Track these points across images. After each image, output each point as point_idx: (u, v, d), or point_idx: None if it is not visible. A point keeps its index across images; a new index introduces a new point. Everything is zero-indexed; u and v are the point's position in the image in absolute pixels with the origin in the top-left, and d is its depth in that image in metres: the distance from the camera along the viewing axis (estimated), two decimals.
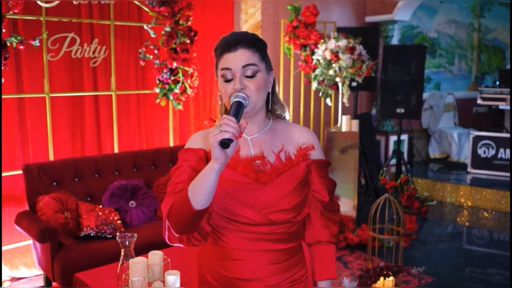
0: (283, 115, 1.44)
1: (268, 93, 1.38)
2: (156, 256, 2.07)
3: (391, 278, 2.45)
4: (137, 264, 1.95)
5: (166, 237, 1.32)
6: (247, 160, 1.32)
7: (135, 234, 2.13)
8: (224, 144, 1.12)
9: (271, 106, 1.41)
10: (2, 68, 3.07)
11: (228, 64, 1.30)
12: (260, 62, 1.32)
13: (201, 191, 1.18)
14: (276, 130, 1.39)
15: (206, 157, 1.35)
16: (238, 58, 1.29)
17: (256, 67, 1.30)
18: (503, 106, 6.30)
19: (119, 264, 2.10)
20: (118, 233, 3.17)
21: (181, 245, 1.33)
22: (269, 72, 1.36)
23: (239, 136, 1.14)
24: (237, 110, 1.21)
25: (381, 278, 2.35)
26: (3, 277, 3.47)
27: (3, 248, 3.45)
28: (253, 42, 1.32)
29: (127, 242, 2.11)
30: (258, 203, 1.30)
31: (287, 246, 1.35)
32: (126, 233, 2.12)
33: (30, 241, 3.37)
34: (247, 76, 1.29)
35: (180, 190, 1.28)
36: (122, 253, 2.10)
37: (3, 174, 3.39)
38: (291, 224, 1.34)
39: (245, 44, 1.30)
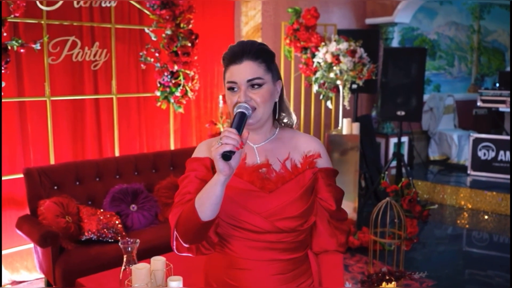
0: (291, 123, 1.44)
1: (276, 102, 1.38)
2: (158, 261, 2.07)
3: (393, 283, 2.45)
4: (140, 270, 1.95)
5: (174, 247, 1.33)
6: (252, 168, 1.33)
7: (138, 240, 2.13)
8: (226, 156, 1.15)
9: (279, 114, 1.41)
10: (3, 71, 3.07)
11: (234, 77, 1.30)
12: (265, 74, 1.32)
13: (207, 202, 1.20)
14: (282, 139, 1.40)
15: (212, 166, 1.35)
16: (243, 71, 1.30)
17: (261, 79, 1.30)
18: (503, 108, 6.31)
19: (122, 270, 2.10)
20: (119, 237, 3.17)
21: (190, 255, 1.34)
22: (276, 82, 1.37)
23: (240, 147, 1.15)
24: (240, 121, 1.23)
25: (384, 283, 2.36)
26: (4, 281, 3.47)
27: (4, 252, 3.44)
28: (259, 54, 1.32)
29: (129, 248, 2.12)
30: (264, 210, 1.30)
31: (293, 256, 1.36)
32: (129, 239, 2.12)
33: (31, 245, 3.36)
34: (252, 88, 1.30)
35: (187, 201, 1.29)
36: (125, 259, 2.10)
37: (4, 178, 3.38)
38: (298, 233, 1.34)
39: (250, 56, 1.30)
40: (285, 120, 1.43)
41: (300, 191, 1.32)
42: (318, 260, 1.44)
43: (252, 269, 1.33)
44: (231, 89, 1.31)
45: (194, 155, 1.41)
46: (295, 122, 1.46)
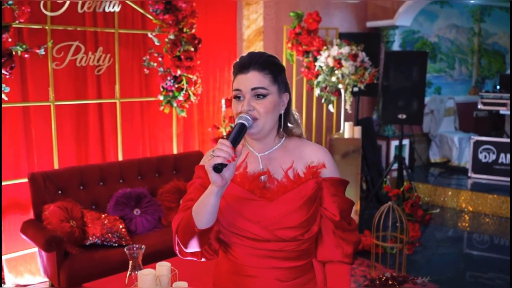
0: (299, 133, 1.45)
1: (281, 114, 1.39)
2: (164, 267, 2.09)
3: None
4: (145, 276, 1.97)
5: (177, 251, 1.37)
6: (253, 177, 1.35)
7: (143, 246, 2.15)
8: (217, 169, 1.18)
9: (287, 126, 1.42)
10: (8, 77, 3.09)
11: (239, 86, 1.33)
12: (271, 85, 1.34)
13: (203, 211, 1.24)
14: (288, 148, 1.40)
15: None
16: (249, 80, 1.32)
17: (265, 90, 1.32)
18: (503, 111, 6.32)
19: (127, 275, 2.12)
20: (123, 242, 3.19)
21: (195, 259, 1.37)
22: (283, 94, 1.38)
23: (232, 160, 1.18)
24: (238, 132, 1.26)
25: None
26: (8, 285, 3.49)
27: (8, 256, 3.46)
28: (266, 65, 1.34)
29: (135, 254, 2.14)
30: (263, 219, 1.32)
31: (296, 264, 1.36)
32: (134, 245, 2.14)
33: (35, 249, 3.38)
34: (256, 98, 1.32)
35: (188, 208, 1.33)
36: (130, 265, 2.12)
37: (8, 182, 3.41)
38: (300, 242, 1.34)
39: (257, 66, 1.33)
40: (293, 130, 1.44)
41: (301, 201, 1.32)
42: (324, 269, 1.44)
43: (256, 276, 1.35)
44: (236, 97, 1.34)
45: (202, 162, 1.44)
46: (302, 132, 1.47)
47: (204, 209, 1.23)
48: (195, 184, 1.38)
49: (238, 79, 1.34)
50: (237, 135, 1.25)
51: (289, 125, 1.43)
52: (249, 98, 1.31)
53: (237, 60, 1.38)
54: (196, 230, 1.25)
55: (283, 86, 1.38)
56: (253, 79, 1.32)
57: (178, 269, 2.09)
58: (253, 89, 1.31)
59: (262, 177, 1.35)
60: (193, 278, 2.19)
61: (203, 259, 1.38)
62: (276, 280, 1.35)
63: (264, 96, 1.32)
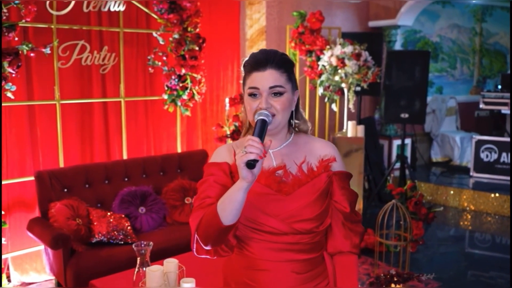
0: (306, 129, 1.49)
1: (292, 111, 1.42)
2: (171, 264, 2.11)
3: (401, 285, 2.49)
4: (154, 273, 1.99)
5: (194, 249, 1.37)
6: (269, 172, 1.37)
7: (151, 243, 2.17)
8: (250, 165, 1.19)
9: (295, 122, 1.46)
10: (14, 75, 3.10)
11: (256, 83, 1.35)
12: (286, 83, 1.36)
13: (230, 207, 1.25)
14: (298, 144, 1.44)
15: (230, 171, 1.40)
16: (266, 78, 1.34)
17: (283, 88, 1.35)
18: (505, 110, 6.35)
19: (135, 272, 2.14)
20: (129, 239, 3.21)
21: (208, 256, 1.38)
22: (294, 91, 1.41)
23: (263, 156, 1.20)
24: (261, 129, 1.27)
25: (392, 285, 2.40)
26: (14, 283, 3.51)
27: (14, 254, 3.48)
28: (282, 63, 1.36)
29: (143, 250, 2.16)
30: (281, 213, 1.35)
31: (309, 257, 1.40)
32: (142, 242, 2.16)
33: (40, 247, 3.40)
34: (273, 96, 1.34)
35: (207, 205, 1.34)
36: (138, 261, 2.14)
37: (14, 181, 3.43)
38: (314, 234, 1.38)
39: (274, 65, 1.35)
40: (301, 126, 1.48)
41: (316, 194, 1.36)
42: (333, 261, 1.47)
43: (271, 270, 1.37)
44: (252, 95, 1.35)
45: (212, 160, 1.45)
46: (310, 129, 1.50)
47: (231, 205, 1.24)
48: (208, 181, 1.39)
49: (254, 76, 1.35)
50: (261, 131, 1.26)
51: (297, 121, 1.46)
52: (266, 96, 1.33)
53: (249, 57, 1.39)
54: (222, 226, 1.25)
55: (295, 84, 1.42)
56: (271, 77, 1.34)
57: (185, 265, 2.11)
58: (271, 87, 1.33)
59: (278, 172, 1.38)
60: (201, 274, 2.21)
61: (215, 257, 1.39)
62: (292, 272, 1.38)
63: (281, 94, 1.35)
